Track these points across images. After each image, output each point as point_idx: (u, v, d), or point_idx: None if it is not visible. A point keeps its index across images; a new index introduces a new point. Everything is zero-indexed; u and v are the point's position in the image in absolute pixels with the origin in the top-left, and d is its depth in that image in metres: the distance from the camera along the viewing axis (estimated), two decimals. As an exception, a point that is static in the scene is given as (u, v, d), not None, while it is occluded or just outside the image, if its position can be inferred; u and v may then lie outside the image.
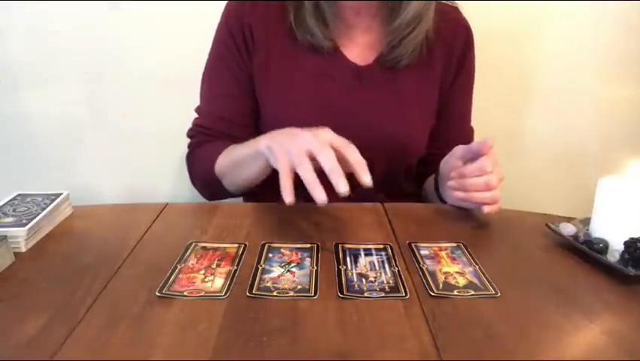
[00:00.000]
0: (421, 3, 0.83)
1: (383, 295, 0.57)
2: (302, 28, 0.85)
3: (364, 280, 0.59)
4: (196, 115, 0.94)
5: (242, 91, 0.90)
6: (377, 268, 0.62)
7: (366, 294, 0.57)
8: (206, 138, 0.92)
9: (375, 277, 0.60)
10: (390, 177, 0.92)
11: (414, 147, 0.91)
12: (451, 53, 0.91)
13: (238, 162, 0.81)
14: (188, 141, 0.94)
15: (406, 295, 0.56)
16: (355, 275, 0.60)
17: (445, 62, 0.91)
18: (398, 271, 0.61)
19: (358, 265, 0.63)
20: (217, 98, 0.92)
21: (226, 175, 0.85)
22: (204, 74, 0.93)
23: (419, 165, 0.97)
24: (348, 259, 0.64)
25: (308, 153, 0.64)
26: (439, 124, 0.94)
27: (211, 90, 0.92)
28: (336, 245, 0.67)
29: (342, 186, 0.61)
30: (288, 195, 0.63)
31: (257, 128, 0.92)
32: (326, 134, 0.66)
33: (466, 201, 0.75)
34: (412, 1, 0.83)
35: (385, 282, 0.59)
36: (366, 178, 0.63)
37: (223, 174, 0.85)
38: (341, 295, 0.56)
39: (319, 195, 0.61)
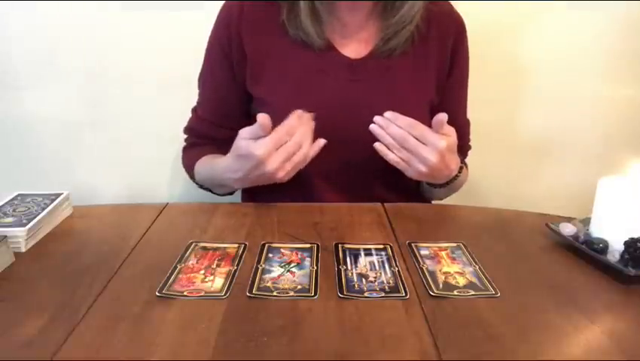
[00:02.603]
0: (419, 4, 0.84)
1: (383, 295, 0.57)
2: (294, 26, 0.85)
3: (364, 280, 0.59)
4: (191, 114, 0.97)
5: (230, 96, 0.92)
6: (377, 268, 0.62)
7: (366, 294, 0.57)
8: (197, 140, 0.96)
9: (375, 277, 0.60)
10: (390, 169, 0.92)
11: None
12: (444, 45, 0.91)
13: (212, 180, 0.89)
14: (184, 136, 0.98)
15: (406, 295, 0.57)
16: (355, 275, 0.60)
17: (439, 54, 0.91)
18: (398, 271, 0.61)
19: (358, 265, 0.63)
20: (207, 101, 0.94)
21: (206, 185, 0.93)
22: (199, 75, 0.94)
23: None
24: (348, 259, 0.64)
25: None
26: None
27: (203, 93, 0.95)
28: (336, 245, 0.68)
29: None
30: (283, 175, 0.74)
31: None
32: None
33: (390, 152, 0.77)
34: (410, 4, 0.83)
35: (385, 282, 0.59)
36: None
37: (203, 183, 0.93)
38: (341, 295, 0.56)
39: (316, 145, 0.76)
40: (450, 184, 0.85)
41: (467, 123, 1.01)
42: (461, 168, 0.85)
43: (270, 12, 0.86)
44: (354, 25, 0.88)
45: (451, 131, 0.77)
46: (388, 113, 0.76)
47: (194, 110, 0.97)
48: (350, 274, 0.60)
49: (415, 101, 0.90)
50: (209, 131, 0.94)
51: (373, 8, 0.88)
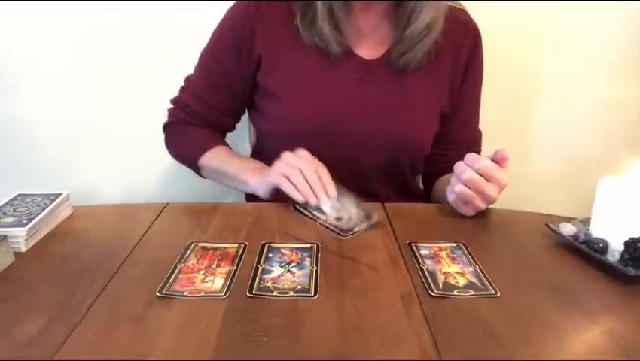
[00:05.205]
0: (434, 11, 0.83)
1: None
2: (309, 31, 0.85)
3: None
4: (183, 84, 0.96)
5: (230, 86, 0.92)
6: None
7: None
8: (188, 118, 0.95)
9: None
10: (395, 172, 0.92)
11: (418, 140, 0.92)
12: (459, 55, 0.91)
13: (225, 174, 0.89)
14: (170, 107, 0.97)
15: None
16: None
17: (453, 64, 0.91)
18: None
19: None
20: (206, 84, 0.94)
21: (207, 172, 0.93)
22: (202, 53, 0.93)
23: (427, 166, 0.97)
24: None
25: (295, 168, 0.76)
26: (447, 126, 0.94)
27: (203, 74, 0.94)
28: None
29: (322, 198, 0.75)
30: (299, 197, 0.75)
31: (238, 120, 0.99)
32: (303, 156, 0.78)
33: (461, 198, 0.76)
34: (425, 10, 0.83)
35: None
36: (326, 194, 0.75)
37: (204, 169, 0.93)
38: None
39: (312, 199, 0.75)
40: None
41: (479, 133, 1.00)
42: None
43: (285, 12, 0.87)
44: (368, 27, 0.88)
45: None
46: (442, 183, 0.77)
47: (188, 81, 0.95)
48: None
49: (425, 106, 0.90)
50: (202, 110, 0.93)
51: (386, 11, 0.87)
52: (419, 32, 0.84)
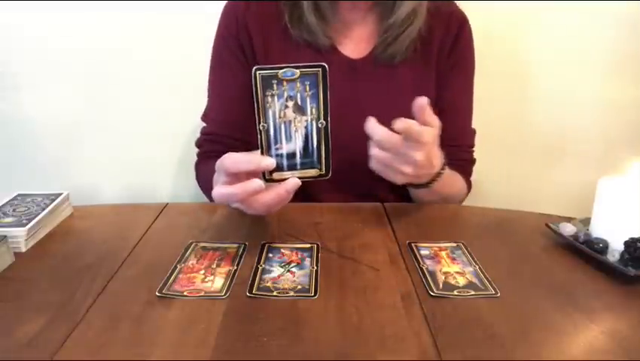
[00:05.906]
0: (415, 2, 0.84)
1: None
2: (298, 28, 0.85)
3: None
4: (203, 124, 0.94)
5: (246, 92, 0.91)
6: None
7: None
8: (214, 146, 0.91)
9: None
10: None
11: None
12: (445, 40, 0.90)
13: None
14: (196, 150, 0.94)
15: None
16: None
17: (439, 51, 0.90)
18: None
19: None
20: (222, 103, 0.92)
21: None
22: (208, 82, 0.93)
23: None
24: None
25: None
26: (438, 116, 0.93)
27: (216, 96, 0.93)
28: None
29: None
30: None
31: None
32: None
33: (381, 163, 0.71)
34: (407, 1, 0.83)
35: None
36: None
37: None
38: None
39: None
40: (432, 185, 0.77)
41: (470, 128, 0.97)
42: (444, 166, 0.78)
43: (273, 11, 0.87)
44: (354, 23, 0.89)
45: (434, 120, 0.70)
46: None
47: (205, 116, 0.94)
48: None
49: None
50: (227, 130, 0.90)
51: (372, 6, 0.88)
52: (402, 21, 0.84)
